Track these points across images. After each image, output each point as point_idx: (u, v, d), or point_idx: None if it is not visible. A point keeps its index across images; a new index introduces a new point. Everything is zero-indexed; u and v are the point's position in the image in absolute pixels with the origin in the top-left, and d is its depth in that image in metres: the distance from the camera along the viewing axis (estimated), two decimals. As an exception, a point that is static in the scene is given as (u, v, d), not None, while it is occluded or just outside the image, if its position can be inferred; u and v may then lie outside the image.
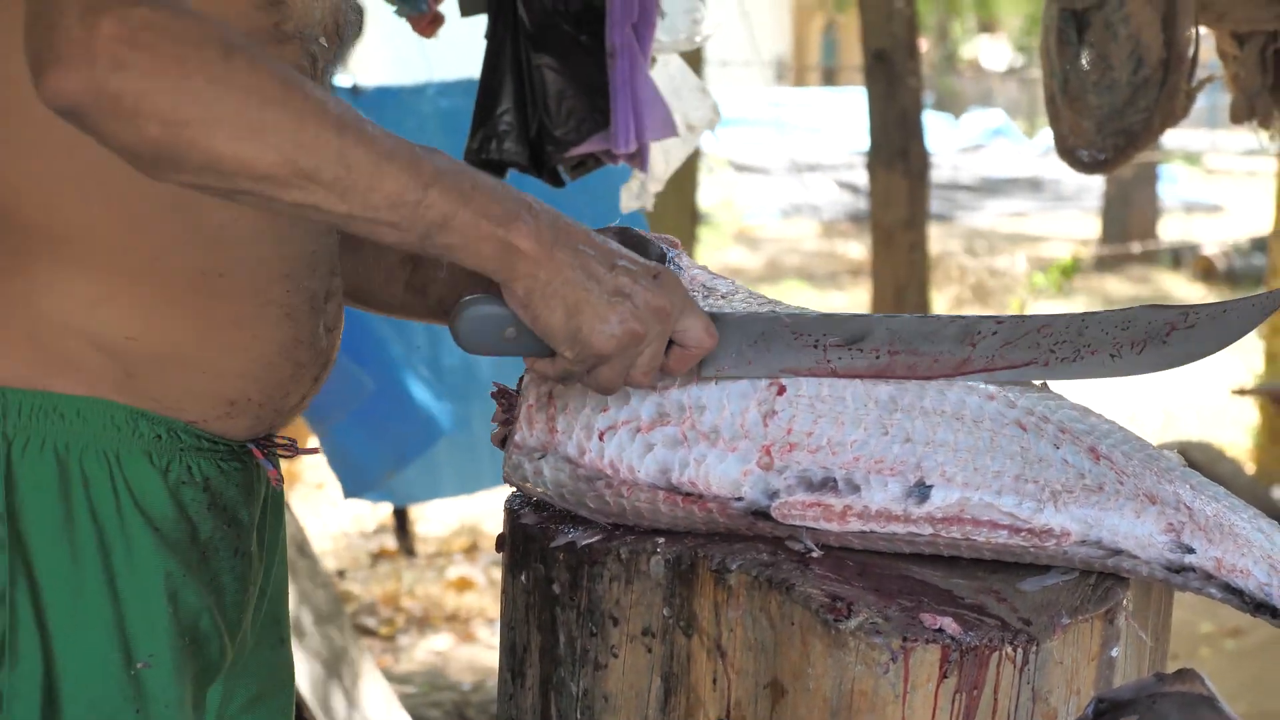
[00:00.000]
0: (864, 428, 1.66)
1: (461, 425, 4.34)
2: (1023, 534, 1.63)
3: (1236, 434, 9.15)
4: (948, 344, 1.69)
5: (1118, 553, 1.63)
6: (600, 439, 1.68)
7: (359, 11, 1.94)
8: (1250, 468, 8.34)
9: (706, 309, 1.69)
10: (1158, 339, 1.70)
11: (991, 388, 1.70)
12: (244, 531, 1.83)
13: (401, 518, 6.62)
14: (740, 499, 1.65)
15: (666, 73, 2.96)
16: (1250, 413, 9.12)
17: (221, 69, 1.44)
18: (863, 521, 1.64)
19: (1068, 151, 3.07)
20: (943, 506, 1.63)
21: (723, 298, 1.76)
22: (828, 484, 1.64)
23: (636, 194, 2.95)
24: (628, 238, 1.78)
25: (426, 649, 5.99)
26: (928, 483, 1.64)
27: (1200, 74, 2.96)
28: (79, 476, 1.70)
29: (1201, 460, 7.50)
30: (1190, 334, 1.70)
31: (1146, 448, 1.70)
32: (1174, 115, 2.89)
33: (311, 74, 1.80)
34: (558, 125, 2.75)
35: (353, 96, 4.63)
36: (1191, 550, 1.62)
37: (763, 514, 1.64)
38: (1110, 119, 2.96)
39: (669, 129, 2.82)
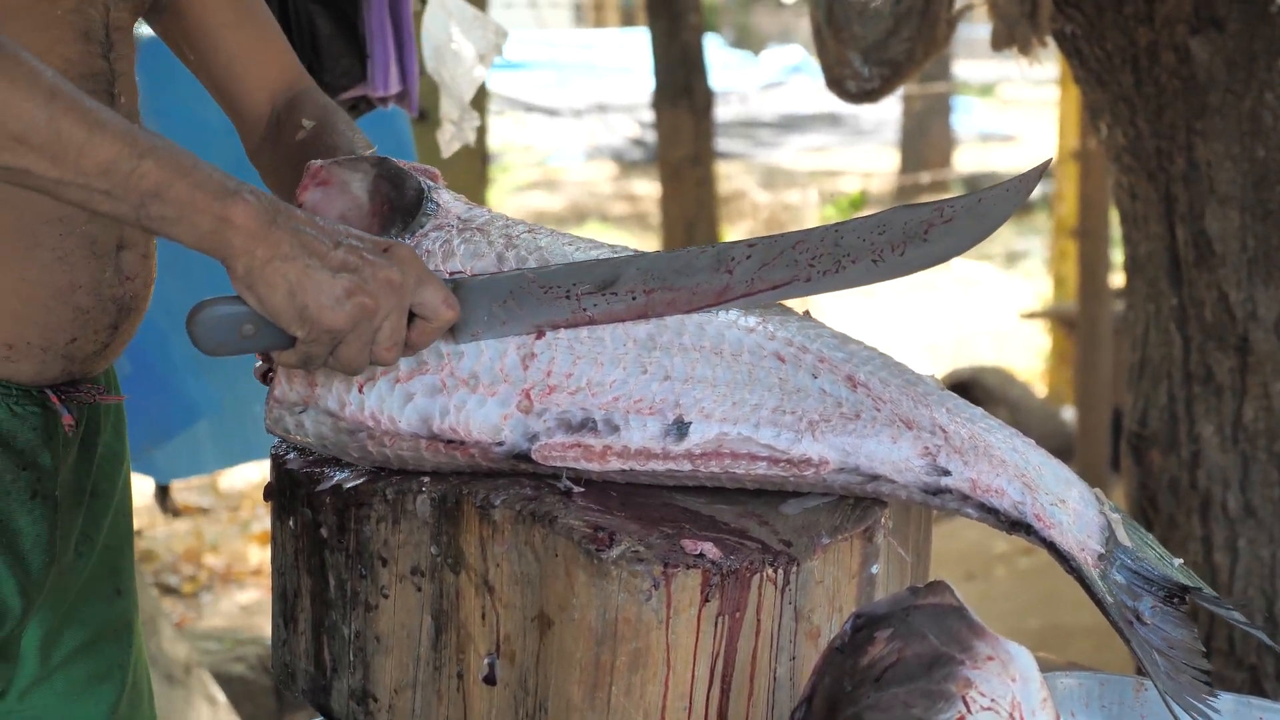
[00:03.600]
0: (623, 367, 1.67)
1: (226, 398, 4.28)
2: (781, 464, 1.66)
3: (1028, 358, 9.36)
4: (703, 275, 1.69)
5: (875, 478, 1.66)
6: (360, 391, 1.67)
7: None
8: (1041, 390, 8.54)
9: (463, 272, 1.69)
10: (917, 238, 1.70)
11: (752, 320, 1.72)
12: (45, 475, 1.83)
13: (163, 490, 6.62)
14: (501, 443, 1.65)
15: (444, 10, 2.92)
16: (1040, 337, 9.33)
17: None
18: (622, 460, 1.65)
19: (836, 82, 3.11)
20: (701, 443, 1.65)
21: (479, 229, 1.75)
22: (587, 425, 1.65)
23: (452, 136, 2.89)
24: (386, 168, 1.76)
25: (231, 604, 5.93)
26: (686, 419, 1.65)
27: (960, 3, 3.02)
28: None
29: (994, 384, 7.67)
30: (949, 229, 1.71)
31: (905, 373, 1.73)
32: (936, 44, 2.94)
33: (104, 20, 1.79)
34: (327, 69, 2.72)
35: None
36: (948, 473, 1.66)
37: (524, 457, 1.65)
38: (874, 49, 3.00)
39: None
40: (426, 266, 1.62)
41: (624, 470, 1.66)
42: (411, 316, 1.61)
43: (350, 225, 1.73)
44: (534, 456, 1.64)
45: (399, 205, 1.76)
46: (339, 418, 1.67)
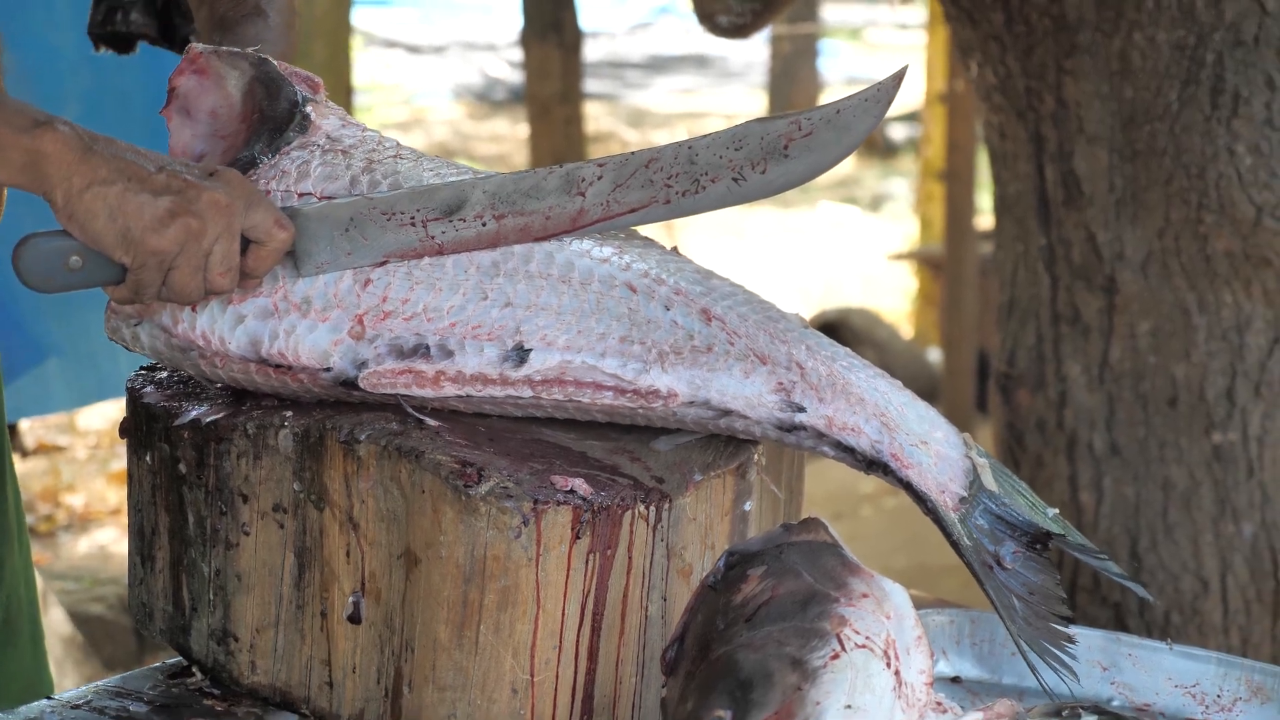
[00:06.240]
0: (462, 293, 1.63)
1: (76, 335, 4.21)
2: (628, 395, 1.62)
3: (894, 300, 9.42)
4: (553, 197, 1.65)
5: (727, 413, 1.63)
6: (193, 309, 1.63)
7: None
8: (908, 331, 8.61)
9: (312, 195, 1.64)
10: (777, 155, 1.65)
11: (608, 250, 1.68)
12: None
13: (10, 429, 6.55)
14: (329, 369, 1.61)
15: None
16: (906, 279, 9.40)
17: None
18: (458, 386, 1.61)
19: (707, 17, 3.08)
20: (542, 369, 1.62)
21: (343, 151, 1.69)
22: (419, 350, 1.61)
23: None
24: (264, 70, 1.71)
25: (90, 543, 5.84)
26: (526, 346, 1.62)
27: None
28: None
29: (861, 325, 7.72)
30: (809, 143, 1.66)
31: (767, 309, 1.69)
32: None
33: None
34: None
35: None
36: (802, 409, 1.63)
37: (352, 384, 1.61)
38: (746, -17, 2.98)
39: None
40: (257, 189, 1.59)
41: (461, 397, 1.62)
42: (247, 244, 1.56)
43: (219, 123, 1.69)
44: (361, 384, 1.61)
45: (269, 115, 1.70)
46: (171, 334, 1.64)
